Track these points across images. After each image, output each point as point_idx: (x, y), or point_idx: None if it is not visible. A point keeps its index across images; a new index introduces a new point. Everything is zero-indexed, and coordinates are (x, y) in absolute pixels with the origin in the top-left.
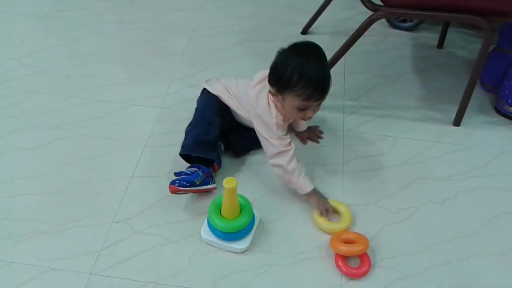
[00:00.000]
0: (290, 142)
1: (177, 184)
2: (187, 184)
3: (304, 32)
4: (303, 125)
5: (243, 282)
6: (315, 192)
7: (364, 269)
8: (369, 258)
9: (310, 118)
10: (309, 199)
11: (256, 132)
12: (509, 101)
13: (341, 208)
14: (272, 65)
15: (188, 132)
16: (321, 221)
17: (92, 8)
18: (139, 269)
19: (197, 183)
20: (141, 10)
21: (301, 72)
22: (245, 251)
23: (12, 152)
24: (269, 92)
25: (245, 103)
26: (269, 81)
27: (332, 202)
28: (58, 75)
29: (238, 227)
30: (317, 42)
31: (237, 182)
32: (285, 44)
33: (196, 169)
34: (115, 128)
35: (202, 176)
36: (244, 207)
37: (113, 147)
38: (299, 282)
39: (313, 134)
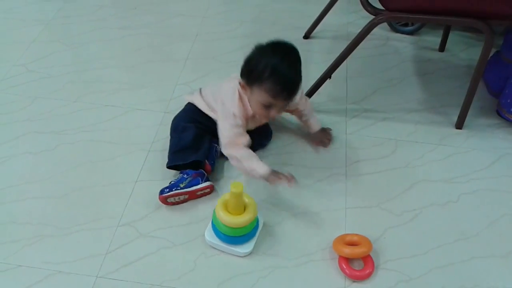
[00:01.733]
0: (244, 138)
1: (165, 192)
2: (172, 188)
3: (306, 36)
4: (314, 124)
5: (248, 284)
6: (273, 172)
7: (368, 271)
8: (372, 260)
9: (273, 118)
10: (270, 180)
11: (218, 123)
12: (511, 109)
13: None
14: (247, 58)
15: (170, 141)
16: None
17: (96, 14)
18: (144, 272)
19: (182, 185)
20: (145, 15)
21: (273, 68)
22: (248, 255)
23: (18, 157)
24: (239, 83)
25: (218, 99)
26: (241, 73)
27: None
28: (63, 80)
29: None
30: (319, 47)
31: (243, 186)
32: None
33: (181, 175)
34: (119, 133)
35: (187, 178)
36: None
37: (118, 152)
38: (303, 284)
39: (324, 136)
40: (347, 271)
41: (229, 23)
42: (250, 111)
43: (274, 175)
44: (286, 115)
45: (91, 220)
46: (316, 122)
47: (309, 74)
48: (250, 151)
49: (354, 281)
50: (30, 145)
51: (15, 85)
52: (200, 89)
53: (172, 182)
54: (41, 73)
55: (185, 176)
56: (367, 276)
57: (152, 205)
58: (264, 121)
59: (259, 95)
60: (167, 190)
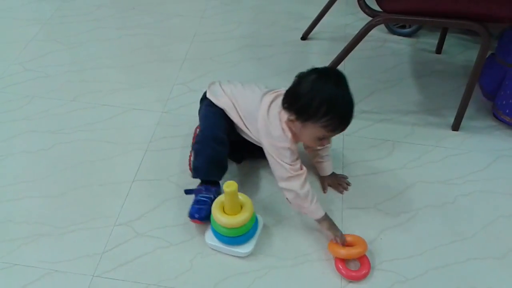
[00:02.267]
0: (301, 166)
1: (197, 217)
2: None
3: (304, 37)
4: (326, 169)
5: (244, 284)
6: (326, 218)
7: (364, 271)
8: (368, 261)
9: (323, 145)
10: (320, 225)
11: (266, 153)
12: (507, 111)
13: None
14: (293, 92)
15: (198, 151)
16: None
17: (94, 14)
18: (141, 272)
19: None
20: (143, 16)
21: (330, 104)
22: (248, 256)
23: (15, 156)
24: (288, 119)
25: (253, 122)
26: (286, 107)
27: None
28: (61, 79)
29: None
30: (317, 48)
31: (237, 185)
32: (285, 50)
33: (207, 195)
34: (117, 132)
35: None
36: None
37: (115, 151)
38: (299, 285)
39: (337, 183)
40: (343, 271)
41: (227, 24)
42: (299, 140)
43: (328, 224)
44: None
45: (88, 220)
46: (329, 166)
47: None
48: (312, 190)
49: (350, 282)
50: (27, 144)
51: (12, 84)
52: (234, 104)
53: (204, 204)
54: (38, 72)
55: (211, 196)
56: (364, 277)
57: (149, 205)
58: (324, 164)
59: (314, 131)
60: (198, 216)
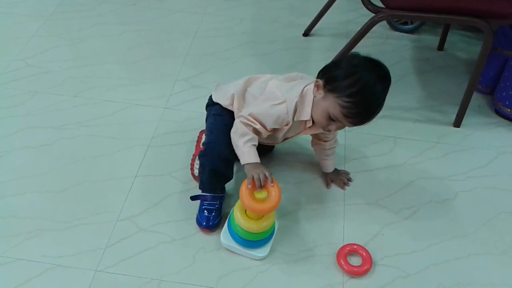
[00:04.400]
0: (252, 125)
1: (205, 226)
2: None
3: (306, 34)
4: (329, 166)
5: (246, 279)
6: (256, 164)
7: (366, 267)
8: (370, 257)
9: (329, 131)
10: (246, 168)
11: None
12: (507, 103)
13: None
14: (337, 62)
15: (203, 164)
16: (242, 220)
17: (96, 9)
18: (143, 266)
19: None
20: (145, 11)
21: (361, 89)
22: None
23: (17, 151)
24: (315, 83)
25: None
26: (322, 72)
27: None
28: (63, 75)
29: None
30: (319, 44)
31: (266, 193)
32: (287, 46)
33: (213, 202)
34: (119, 128)
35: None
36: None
37: (118, 147)
38: (302, 279)
39: (339, 179)
40: (345, 267)
41: (229, 20)
42: (306, 117)
43: (251, 167)
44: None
45: (91, 215)
46: (332, 164)
47: (309, 72)
48: (253, 137)
49: (352, 277)
50: (29, 139)
51: (14, 79)
52: (246, 87)
53: (215, 213)
54: (40, 68)
55: (219, 206)
56: (365, 272)
57: (152, 200)
58: (326, 159)
59: (330, 105)
60: (211, 225)
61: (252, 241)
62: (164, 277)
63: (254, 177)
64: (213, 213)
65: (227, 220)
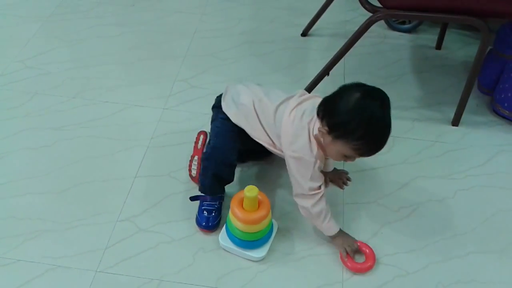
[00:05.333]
0: (320, 186)
1: (205, 227)
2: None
3: (304, 34)
4: (329, 166)
5: (246, 279)
6: (340, 234)
7: (369, 264)
8: (373, 253)
9: (347, 161)
10: (333, 241)
11: (287, 164)
12: (505, 104)
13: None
14: (333, 104)
15: (206, 168)
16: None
17: (94, 11)
18: (143, 266)
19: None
20: (143, 12)
21: (369, 130)
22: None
23: (17, 152)
24: (318, 129)
25: (274, 128)
26: (321, 117)
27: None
28: (62, 76)
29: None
30: (317, 44)
31: (257, 190)
32: (285, 46)
33: (212, 203)
34: (118, 129)
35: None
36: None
37: (117, 147)
38: (301, 278)
39: (338, 178)
40: (348, 264)
41: (228, 21)
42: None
43: (342, 240)
44: None
45: (91, 215)
46: (331, 163)
47: (308, 71)
48: (327, 206)
49: (352, 275)
50: (29, 141)
51: (13, 81)
52: (256, 109)
53: (214, 214)
54: (39, 70)
55: (219, 206)
56: (368, 269)
57: (151, 200)
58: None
59: (343, 149)
60: (211, 225)
61: (250, 242)
62: (164, 277)
63: (348, 250)
64: (213, 214)
65: (225, 222)
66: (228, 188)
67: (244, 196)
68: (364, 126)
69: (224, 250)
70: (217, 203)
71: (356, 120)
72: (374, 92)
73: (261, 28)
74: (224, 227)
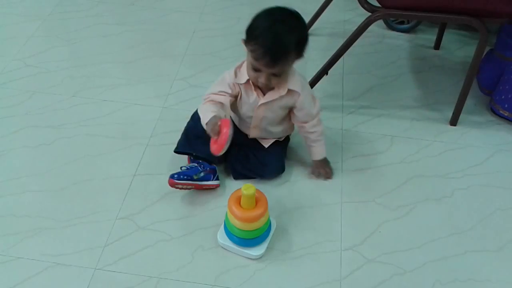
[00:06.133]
0: (221, 93)
1: (175, 178)
2: (185, 177)
3: None
4: (316, 154)
5: (244, 277)
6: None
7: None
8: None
9: (262, 84)
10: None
11: None
12: (505, 105)
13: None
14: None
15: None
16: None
17: (94, 9)
18: (142, 264)
19: (195, 177)
20: (142, 11)
21: (262, 31)
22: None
23: (16, 150)
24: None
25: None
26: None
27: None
28: (61, 75)
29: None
30: (316, 44)
31: (255, 188)
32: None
33: (196, 165)
34: (117, 127)
35: (201, 171)
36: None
37: (116, 146)
38: (299, 277)
39: (321, 169)
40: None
41: (227, 20)
42: (243, 79)
43: (211, 126)
44: None
45: (90, 213)
46: (319, 151)
47: (306, 71)
48: (212, 108)
49: (349, 273)
50: (28, 139)
51: (13, 79)
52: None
53: (184, 169)
54: (39, 68)
55: (200, 168)
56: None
57: (150, 198)
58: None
59: (249, 55)
60: (177, 176)
61: (248, 240)
62: (163, 275)
63: (208, 130)
64: (186, 173)
65: (223, 221)
66: (225, 187)
67: (242, 194)
68: (259, 27)
69: (223, 248)
70: (193, 165)
71: (256, 22)
72: (278, 8)
73: None
74: (222, 226)
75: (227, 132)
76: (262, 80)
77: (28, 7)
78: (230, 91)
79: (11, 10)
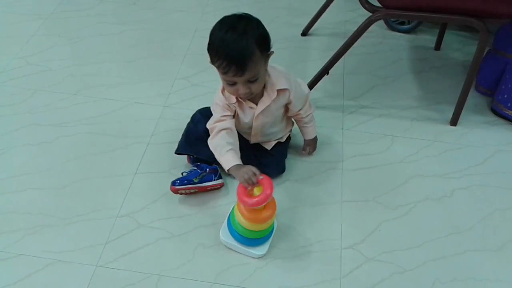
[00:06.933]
0: (223, 117)
1: (176, 184)
2: (185, 182)
3: (304, 33)
4: (309, 133)
5: (245, 274)
6: (236, 168)
7: (268, 192)
8: (269, 181)
9: (245, 94)
10: (233, 174)
11: None
12: (509, 104)
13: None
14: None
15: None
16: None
17: (95, 9)
18: (143, 262)
19: (195, 180)
20: (144, 11)
21: (218, 44)
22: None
23: (18, 148)
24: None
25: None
26: None
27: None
28: (63, 73)
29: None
30: (317, 44)
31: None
32: (285, 46)
33: (195, 168)
34: (119, 126)
35: (201, 173)
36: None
37: (117, 144)
38: (299, 275)
39: (307, 145)
40: (246, 199)
41: None
42: (233, 98)
43: (236, 172)
44: None
45: (91, 211)
46: (312, 131)
47: (307, 71)
48: (225, 142)
49: (350, 271)
50: (30, 137)
51: (15, 78)
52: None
53: (184, 174)
54: (41, 67)
55: (199, 170)
56: (267, 197)
57: (151, 196)
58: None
59: (219, 74)
60: (178, 182)
61: (251, 239)
62: (164, 272)
63: (245, 178)
64: (186, 177)
65: (227, 218)
66: (227, 187)
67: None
68: (216, 44)
69: (224, 245)
70: (193, 169)
71: (212, 41)
72: (226, 17)
73: None
74: (225, 223)
75: (270, 194)
76: (242, 91)
77: (30, 6)
78: (229, 112)
79: (13, 9)
